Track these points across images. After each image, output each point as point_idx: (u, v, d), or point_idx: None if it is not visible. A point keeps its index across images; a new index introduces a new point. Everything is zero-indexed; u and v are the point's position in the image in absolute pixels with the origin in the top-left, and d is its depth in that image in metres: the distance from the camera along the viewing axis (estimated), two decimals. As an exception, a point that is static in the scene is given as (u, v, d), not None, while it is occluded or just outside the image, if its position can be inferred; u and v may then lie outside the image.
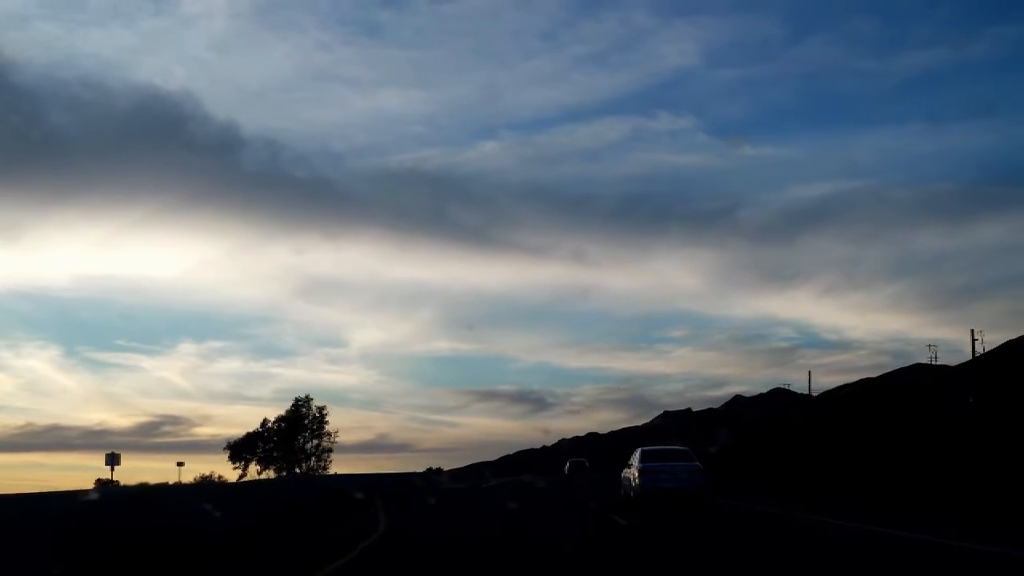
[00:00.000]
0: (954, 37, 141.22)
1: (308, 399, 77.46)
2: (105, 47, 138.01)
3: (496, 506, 26.27)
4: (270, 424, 76.88)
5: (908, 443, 28.19)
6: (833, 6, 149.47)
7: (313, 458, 76.16)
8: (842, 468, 27.98)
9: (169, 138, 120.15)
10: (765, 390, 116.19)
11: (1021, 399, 30.90)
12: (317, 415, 76.80)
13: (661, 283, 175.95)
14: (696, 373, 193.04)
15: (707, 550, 13.08)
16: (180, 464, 55.84)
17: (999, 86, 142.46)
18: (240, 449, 75.65)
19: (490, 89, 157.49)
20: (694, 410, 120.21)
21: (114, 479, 43.81)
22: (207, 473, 69.25)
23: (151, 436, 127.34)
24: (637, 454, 25.32)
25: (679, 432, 75.87)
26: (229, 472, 73.48)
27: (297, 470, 74.41)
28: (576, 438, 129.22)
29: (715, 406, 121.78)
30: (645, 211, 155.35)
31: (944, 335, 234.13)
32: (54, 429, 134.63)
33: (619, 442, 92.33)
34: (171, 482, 50.59)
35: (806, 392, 74.05)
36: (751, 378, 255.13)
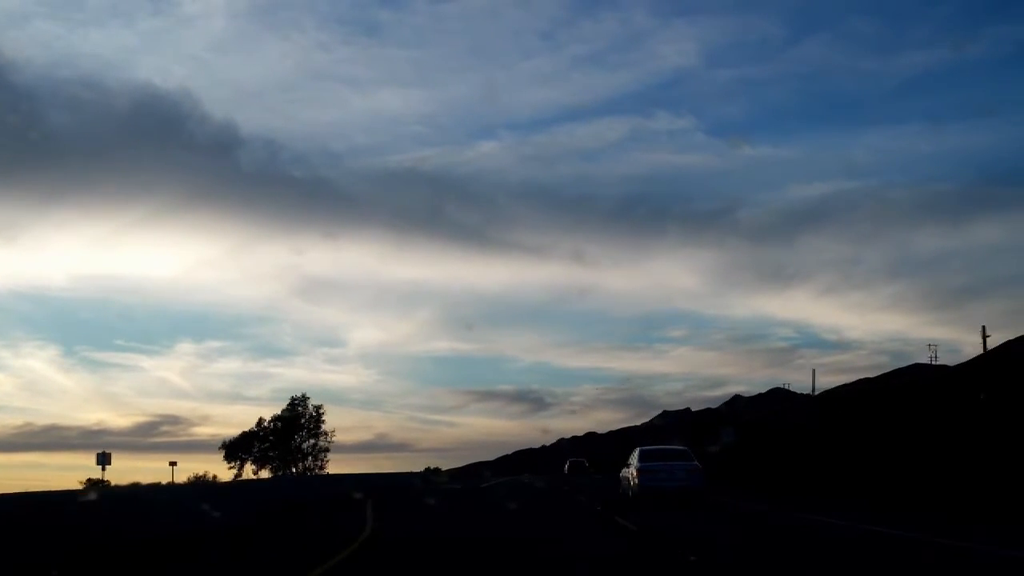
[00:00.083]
0: (954, 37, 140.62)
1: (305, 398, 77.11)
2: (104, 46, 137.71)
3: (495, 506, 25.91)
4: (266, 423, 76.48)
5: (907, 443, 27.92)
6: (833, 6, 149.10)
7: (310, 457, 75.76)
8: (842, 468, 27.77)
9: (168, 138, 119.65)
10: (764, 390, 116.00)
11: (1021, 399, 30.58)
12: (314, 414, 76.43)
13: (660, 283, 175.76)
14: (695, 373, 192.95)
15: (711, 552, 12.74)
16: (173, 464, 55.35)
17: (999, 86, 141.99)
18: (236, 449, 75.21)
19: (489, 89, 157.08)
20: (693, 410, 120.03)
21: (105, 479, 43.36)
22: (201, 473, 68.84)
23: (150, 436, 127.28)
24: (636, 453, 25.49)
25: (678, 432, 75.40)
26: (224, 472, 73.11)
27: (293, 470, 73.93)
28: (575, 438, 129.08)
29: (714, 406, 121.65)
30: (644, 211, 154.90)
31: (943, 335, 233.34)
32: (53, 429, 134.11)
33: (618, 442, 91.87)
34: (163, 482, 50.05)
35: (805, 392, 73.81)
36: (750, 378, 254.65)
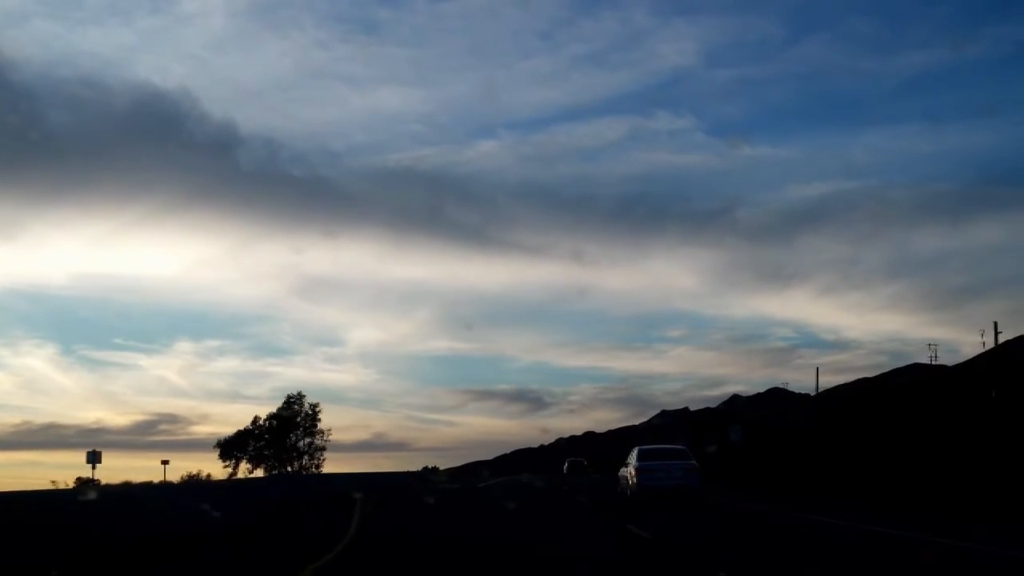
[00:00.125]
0: (953, 37, 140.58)
1: (300, 396, 76.66)
2: (103, 45, 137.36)
3: (493, 505, 25.77)
4: (261, 422, 76.17)
5: (907, 443, 27.83)
6: (832, 6, 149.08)
7: (306, 456, 75.43)
8: (841, 468, 27.68)
9: (167, 136, 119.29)
10: (763, 390, 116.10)
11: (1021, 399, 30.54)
12: (310, 412, 76.06)
13: (659, 283, 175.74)
14: (694, 373, 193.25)
15: (712, 552, 12.63)
16: (165, 462, 54.74)
17: (999, 86, 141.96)
18: (231, 447, 74.88)
19: (488, 88, 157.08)
20: (692, 409, 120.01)
21: (95, 478, 42.98)
22: (194, 472, 68.40)
23: (148, 435, 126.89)
24: (634, 453, 25.68)
25: (678, 431, 75.23)
26: (219, 470, 72.80)
27: (289, 468, 73.63)
28: (574, 437, 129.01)
29: (713, 405, 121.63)
30: (643, 211, 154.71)
31: (943, 335, 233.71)
32: (51, 427, 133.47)
33: (617, 441, 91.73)
34: (155, 481, 49.66)
35: (803, 392, 73.78)
36: (749, 378, 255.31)
